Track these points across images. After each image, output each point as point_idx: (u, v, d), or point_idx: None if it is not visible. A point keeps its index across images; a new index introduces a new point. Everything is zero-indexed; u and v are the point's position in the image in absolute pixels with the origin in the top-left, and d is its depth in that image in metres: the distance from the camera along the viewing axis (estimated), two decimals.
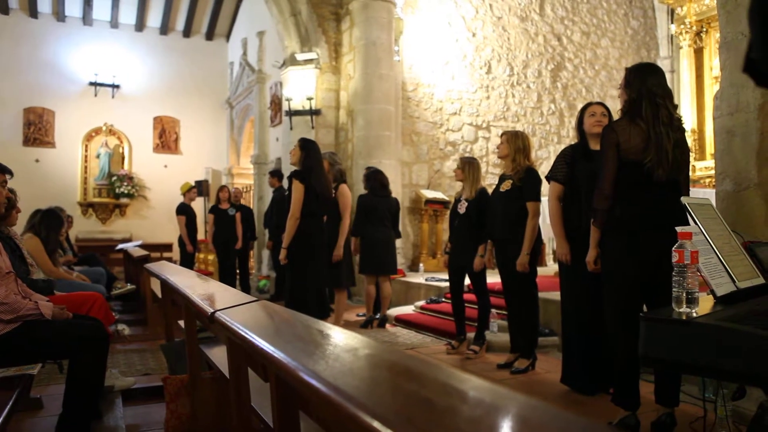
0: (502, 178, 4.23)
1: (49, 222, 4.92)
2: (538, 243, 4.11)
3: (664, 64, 10.71)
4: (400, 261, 8.02)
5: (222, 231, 8.05)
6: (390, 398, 0.83)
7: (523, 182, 4.05)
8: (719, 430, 2.56)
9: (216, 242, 8.14)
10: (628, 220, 2.81)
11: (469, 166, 4.64)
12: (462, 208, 4.60)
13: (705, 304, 1.77)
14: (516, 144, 4.14)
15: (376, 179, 5.95)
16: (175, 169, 13.00)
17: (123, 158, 12.88)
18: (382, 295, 5.93)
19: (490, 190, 4.58)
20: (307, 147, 4.59)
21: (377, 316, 5.97)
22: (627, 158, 2.78)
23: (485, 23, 9.49)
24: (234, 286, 6.87)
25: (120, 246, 8.73)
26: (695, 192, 6.23)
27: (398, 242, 7.72)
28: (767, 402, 1.90)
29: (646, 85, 2.79)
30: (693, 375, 2.69)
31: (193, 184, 9.44)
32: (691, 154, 3.28)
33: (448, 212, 6.10)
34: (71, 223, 8.32)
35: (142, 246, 8.13)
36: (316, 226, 4.58)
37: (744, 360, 1.51)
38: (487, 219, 4.32)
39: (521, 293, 4.13)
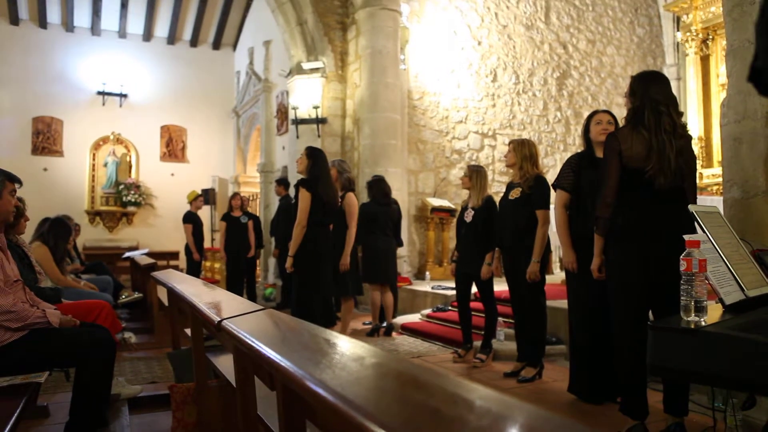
0: (511, 186, 4.23)
1: (57, 231, 4.95)
2: (546, 251, 4.10)
3: (670, 72, 10.70)
4: (406, 269, 8.01)
5: (234, 239, 7.98)
6: (397, 408, 0.83)
7: (532, 190, 4.04)
8: None
9: (228, 250, 8.05)
10: (630, 228, 2.81)
11: (476, 175, 4.64)
12: (469, 217, 4.59)
13: (713, 313, 1.76)
14: (522, 152, 4.14)
15: (379, 188, 5.96)
16: (181, 178, 13.07)
17: (130, 167, 12.96)
18: (384, 304, 5.92)
19: (496, 198, 4.58)
20: (314, 155, 4.60)
21: (383, 325, 5.96)
22: (629, 166, 2.79)
23: (491, 32, 9.52)
24: (240, 295, 6.88)
25: (127, 254, 8.76)
26: (702, 200, 6.20)
27: (404, 250, 7.71)
28: None
29: (649, 94, 2.80)
30: (702, 384, 2.67)
31: (199, 192, 9.48)
32: (698, 161, 3.27)
33: (455, 220, 6.09)
34: (79, 232, 8.36)
35: (149, 254, 8.16)
36: (323, 235, 4.58)
37: (753, 369, 1.50)
38: (496, 227, 4.32)
39: (529, 301, 4.11)
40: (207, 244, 10.11)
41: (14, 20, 12.12)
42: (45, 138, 12.27)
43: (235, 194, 8.59)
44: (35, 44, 12.27)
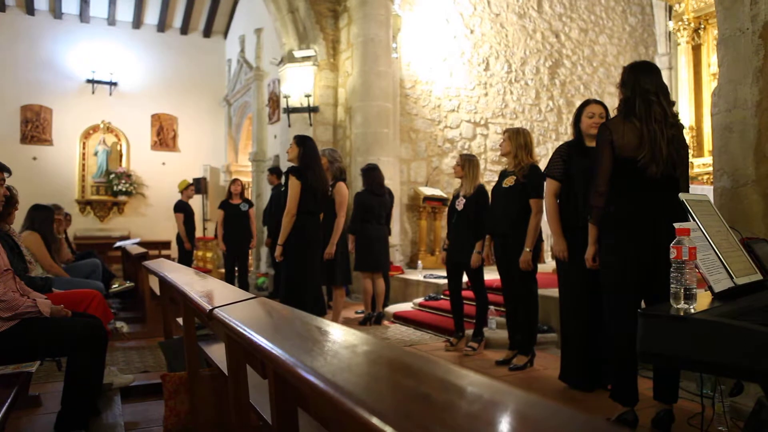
0: (504, 174, 4.23)
1: (37, 216, 4.95)
2: (538, 240, 4.11)
3: (662, 61, 10.71)
4: (399, 258, 8.02)
5: (234, 228, 7.41)
6: (388, 394, 0.83)
7: (527, 179, 4.04)
8: (717, 426, 2.57)
9: (228, 241, 7.45)
10: (623, 217, 2.83)
11: (468, 164, 4.65)
12: (460, 205, 4.60)
13: (703, 300, 1.77)
14: (518, 141, 4.14)
15: (373, 178, 5.94)
16: (173, 167, 12.98)
17: (121, 156, 12.86)
18: (377, 292, 5.94)
19: (488, 187, 4.59)
20: (303, 143, 4.57)
21: (375, 313, 5.98)
22: (621, 155, 2.80)
23: (483, 20, 9.48)
24: (232, 284, 6.86)
25: (118, 244, 8.71)
26: (693, 189, 6.23)
27: (397, 239, 7.73)
28: (764, 398, 1.90)
29: (640, 84, 2.82)
30: (691, 371, 2.70)
31: (191, 181, 9.43)
32: (689, 150, 3.29)
33: (447, 209, 6.10)
34: (69, 221, 8.30)
35: (140, 243, 8.11)
36: (313, 223, 4.56)
37: (741, 356, 1.52)
38: (488, 214, 4.32)
39: (521, 290, 4.13)
40: (198, 233, 10.07)
41: (1, 6, 11.94)
42: (34, 127, 12.13)
43: (235, 180, 7.95)
44: (23, 31, 12.10)
